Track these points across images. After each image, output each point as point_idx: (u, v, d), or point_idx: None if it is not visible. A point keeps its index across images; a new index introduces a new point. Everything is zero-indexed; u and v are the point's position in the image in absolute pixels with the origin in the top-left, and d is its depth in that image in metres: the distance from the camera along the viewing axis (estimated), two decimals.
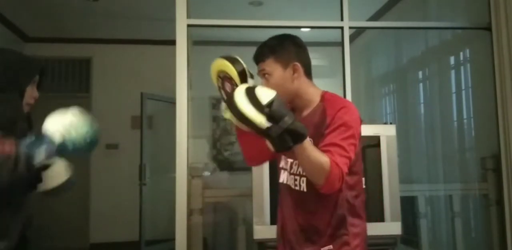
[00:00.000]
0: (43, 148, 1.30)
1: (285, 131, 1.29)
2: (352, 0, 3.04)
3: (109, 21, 5.04)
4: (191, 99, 2.87)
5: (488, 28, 2.97)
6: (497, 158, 2.90)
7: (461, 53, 3.53)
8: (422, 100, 3.92)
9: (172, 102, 2.89)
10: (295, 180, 1.59)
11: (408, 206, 3.09)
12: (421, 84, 4.02)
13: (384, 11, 4.26)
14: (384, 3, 4.21)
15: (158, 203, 4.87)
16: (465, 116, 3.39)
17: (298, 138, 1.32)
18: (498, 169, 2.88)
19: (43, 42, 5.49)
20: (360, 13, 3.84)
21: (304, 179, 1.55)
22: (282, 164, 1.67)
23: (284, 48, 1.61)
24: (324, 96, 1.62)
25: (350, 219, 1.58)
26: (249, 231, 2.49)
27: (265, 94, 1.33)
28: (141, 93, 4.90)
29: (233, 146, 5.52)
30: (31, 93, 1.51)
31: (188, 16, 2.87)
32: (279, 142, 1.31)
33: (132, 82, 5.48)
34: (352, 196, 1.57)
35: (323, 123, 1.51)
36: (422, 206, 3.11)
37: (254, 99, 1.32)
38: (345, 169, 1.43)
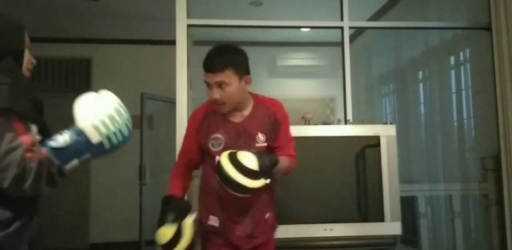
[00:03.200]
0: (79, 156, 1.20)
1: (271, 170, 1.66)
2: (352, 0, 3.04)
3: (109, 21, 5.03)
4: (191, 99, 2.87)
5: (488, 28, 2.97)
6: (497, 158, 2.90)
7: (461, 53, 3.53)
8: (422, 100, 3.91)
9: (172, 102, 2.89)
10: None
11: (408, 206, 3.10)
12: (421, 84, 4.02)
13: (384, 11, 4.26)
14: (384, 3, 4.21)
15: (158, 203, 4.85)
16: (465, 116, 3.39)
17: (276, 164, 1.69)
18: (498, 169, 2.88)
19: (43, 42, 5.48)
20: (360, 13, 3.84)
21: None
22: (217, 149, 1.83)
23: (242, 62, 1.80)
24: (257, 97, 1.90)
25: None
26: None
27: (250, 161, 1.61)
28: (141, 93, 4.90)
29: None
30: (29, 59, 1.39)
31: (188, 16, 2.87)
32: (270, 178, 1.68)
33: (132, 82, 5.47)
34: None
35: (276, 120, 1.86)
36: (422, 206, 3.11)
37: (248, 172, 1.59)
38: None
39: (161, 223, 1.78)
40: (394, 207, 2.40)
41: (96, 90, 1.31)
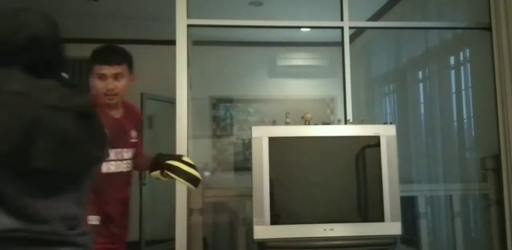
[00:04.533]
0: None
1: None
2: (352, 0, 3.03)
3: (109, 21, 5.04)
4: (191, 99, 2.87)
5: (488, 28, 2.97)
6: (497, 158, 2.90)
7: (461, 53, 3.52)
8: (422, 100, 3.92)
9: (172, 102, 2.90)
10: (127, 163, 2.01)
11: (408, 206, 3.09)
12: (421, 84, 4.02)
13: (384, 11, 4.26)
14: (384, 3, 4.21)
15: (158, 203, 4.87)
16: (465, 116, 3.39)
17: None
18: (498, 169, 2.88)
19: None
20: (360, 13, 3.84)
21: (130, 160, 2.02)
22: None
23: (131, 61, 2.05)
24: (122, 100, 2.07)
25: None
26: (249, 231, 2.49)
27: (188, 158, 1.92)
28: (141, 93, 4.90)
29: (233, 146, 5.53)
30: None
31: (188, 16, 2.87)
32: None
33: None
34: None
35: (140, 122, 2.18)
36: (422, 206, 3.11)
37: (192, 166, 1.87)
38: None
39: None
40: (394, 207, 2.39)
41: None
